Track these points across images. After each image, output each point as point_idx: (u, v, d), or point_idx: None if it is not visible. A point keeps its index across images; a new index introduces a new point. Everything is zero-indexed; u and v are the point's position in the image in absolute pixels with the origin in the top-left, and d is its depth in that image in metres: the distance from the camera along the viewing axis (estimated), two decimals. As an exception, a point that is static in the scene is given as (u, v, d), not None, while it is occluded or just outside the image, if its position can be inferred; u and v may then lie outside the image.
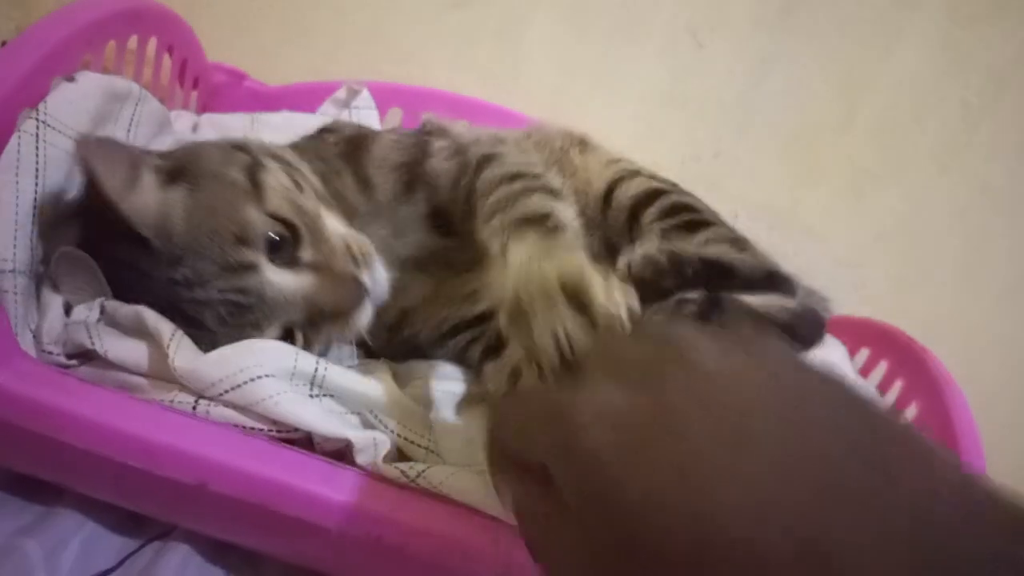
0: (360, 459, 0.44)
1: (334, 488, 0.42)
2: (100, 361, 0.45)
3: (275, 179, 0.51)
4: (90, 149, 0.45)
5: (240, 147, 0.54)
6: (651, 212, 0.65)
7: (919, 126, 1.02)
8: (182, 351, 0.44)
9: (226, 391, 0.43)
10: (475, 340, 0.59)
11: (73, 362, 0.47)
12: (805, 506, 0.21)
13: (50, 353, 0.46)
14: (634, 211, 0.66)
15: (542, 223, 0.48)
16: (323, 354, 0.51)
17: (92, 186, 0.46)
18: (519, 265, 0.41)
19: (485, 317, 0.58)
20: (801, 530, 0.20)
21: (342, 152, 0.62)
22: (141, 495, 0.48)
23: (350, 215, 0.56)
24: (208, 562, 0.51)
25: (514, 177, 0.55)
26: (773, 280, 0.57)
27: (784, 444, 0.22)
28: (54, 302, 0.47)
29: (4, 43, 1.03)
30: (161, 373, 0.45)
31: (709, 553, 0.21)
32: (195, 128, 0.76)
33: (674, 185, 0.76)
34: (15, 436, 0.43)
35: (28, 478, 0.50)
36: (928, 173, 1.04)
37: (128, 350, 0.45)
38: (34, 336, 0.46)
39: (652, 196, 0.67)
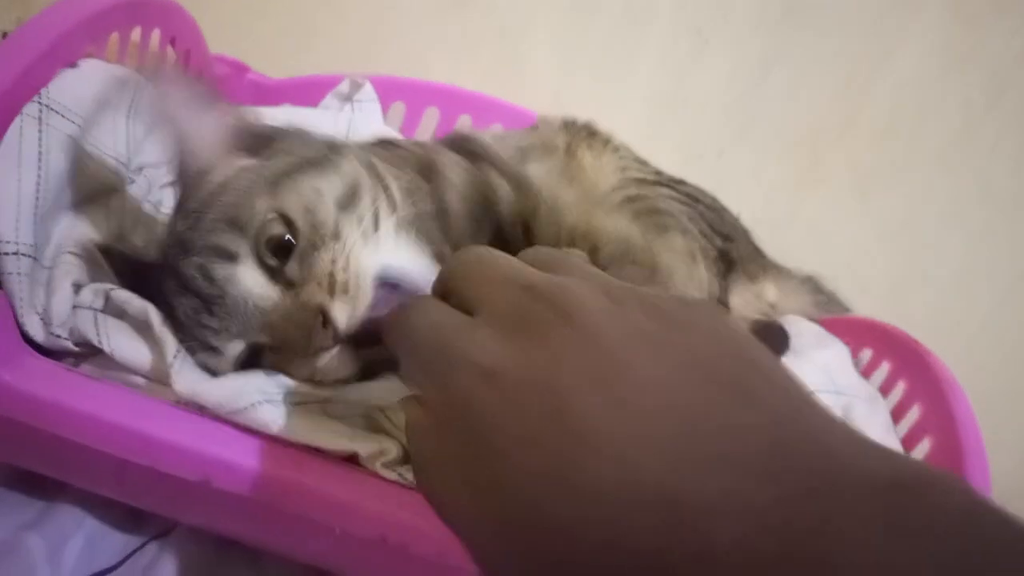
0: (365, 462, 0.43)
1: (339, 486, 0.42)
2: (106, 358, 0.45)
3: (313, 182, 0.46)
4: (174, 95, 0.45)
5: (332, 145, 0.51)
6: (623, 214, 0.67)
7: (921, 126, 1.02)
8: (184, 373, 0.43)
9: (227, 414, 0.42)
10: None
11: (79, 349, 0.46)
12: (667, 451, 0.21)
13: (58, 336, 0.45)
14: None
15: None
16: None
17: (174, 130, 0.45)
18: None
19: None
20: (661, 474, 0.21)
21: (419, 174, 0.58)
22: (145, 491, 0.48)
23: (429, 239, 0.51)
24: (211, 559, 0.51)
25: None
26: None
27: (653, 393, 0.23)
28: (63, 283, 0.46)
29: (5, 34, 1.02)
30: (165, 379, 0.44)
31: (578, 494, 0.22)
32: (197, 121, 0.76)
33: (675, 188, 0.76)
34: (19, 432, 0.42)
35: (30, 474, 0.50)
36: (930, 173, 1.04)
37: (134, 352, 0.44)
38: (41, 319, 0.45)
39: (630, 200, 0.70)
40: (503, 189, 0.57)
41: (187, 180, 0.47)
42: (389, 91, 0.92)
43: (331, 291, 0.42)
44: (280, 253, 0.42)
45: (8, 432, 0.43)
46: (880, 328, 0.75)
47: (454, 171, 0.57)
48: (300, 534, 0.46)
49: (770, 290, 0.78)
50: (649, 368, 0.23)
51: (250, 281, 0.42)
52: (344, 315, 0.41)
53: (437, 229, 0.52)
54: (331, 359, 0.42)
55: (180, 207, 0.47)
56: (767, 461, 0.20)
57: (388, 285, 0.44)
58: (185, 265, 0.43)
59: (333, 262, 0.42)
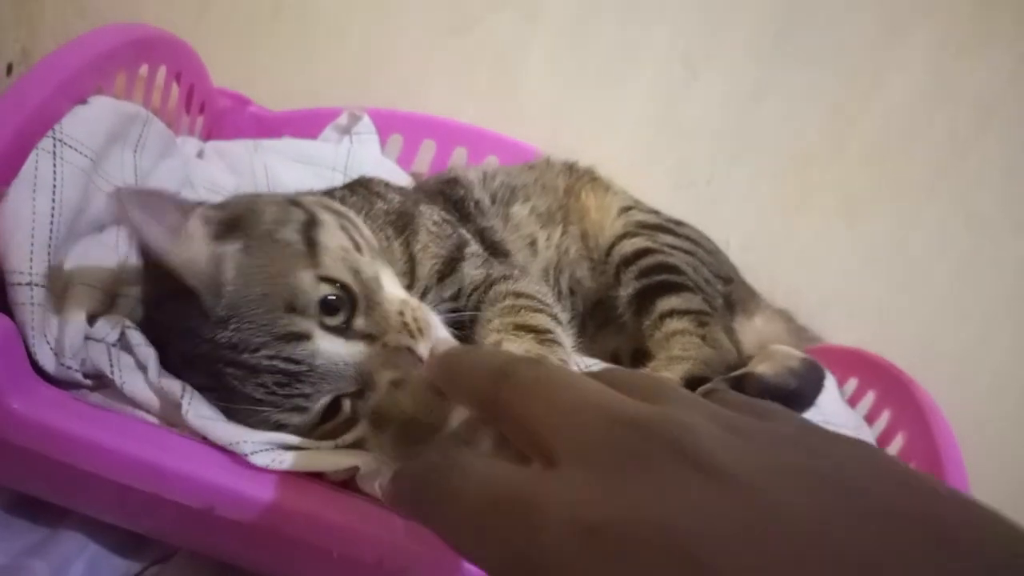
0: (363, 485, 0.45)
1: (338, 512, 0.43)
2: (114, 391, 0.46)
3: (332, 238, 0.50)
4: (130, 199, 0.43)
5: (296, 203, 0.53)
6: (631, 271, 0.73)
7: (907, 154, 1.04)
8: (195, 405, 0.45)
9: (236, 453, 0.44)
10: None
11: (89, 382, 0.48)
12: None
13: (68, 368, 0.46)
14: (618, 269, 0.74)
15: (543, 334, 0.52)
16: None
17: (138, 239, 0.45)
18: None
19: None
20: None
21: (392, 223, 0.63)
22: (148, 518, 0.49)
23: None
24: (211, 583, 0.52)
25: (522, 296, 0.58)
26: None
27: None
28: (76, 315, 0.47)
29: (10, 64, 1.05)
30: (169, 419, 0.46)
31: None
32: (200, 154, 0.78)
33: (675, 232, 0.78)
34: (26, 459, 0.43)
35: (33, 499, 0.51)
36: (917, 200, 1.05)
37: (144, 390, 0.46)
38: (53, 349, 0.46)
39: (639, 255, 0.74)
40: (469, 251, 0.65)
41: (196, 287, 0.46)
42: (387, 123, 0.94)
43: (411, 335, 0.47)
44: (335, 310, 0.46)
45: (15, 458, 0.45)
46: (865, 357, 0.77)
47: (423, 229, 0.64)
48: (299, 559, 0.47)
49: (761, 323, 0.79)
50: (803, 506, 0.18)
51: (330, 348, 0.45)
52: (426, 352, 0.46)
53: (406, 273, 0.60)
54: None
55: (200, 311, 0.46)
56: None
57: None
58: (255, 358, 0.44)
59: (401, 313, 0.47)
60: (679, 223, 0.83)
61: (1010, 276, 1.05)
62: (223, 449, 0.44)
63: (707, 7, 0.99)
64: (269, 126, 0.94)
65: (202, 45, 0.82)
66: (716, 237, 0.88)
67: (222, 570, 0.52)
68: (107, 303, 0.51)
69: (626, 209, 0.80)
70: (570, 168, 0.88)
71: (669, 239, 0.77)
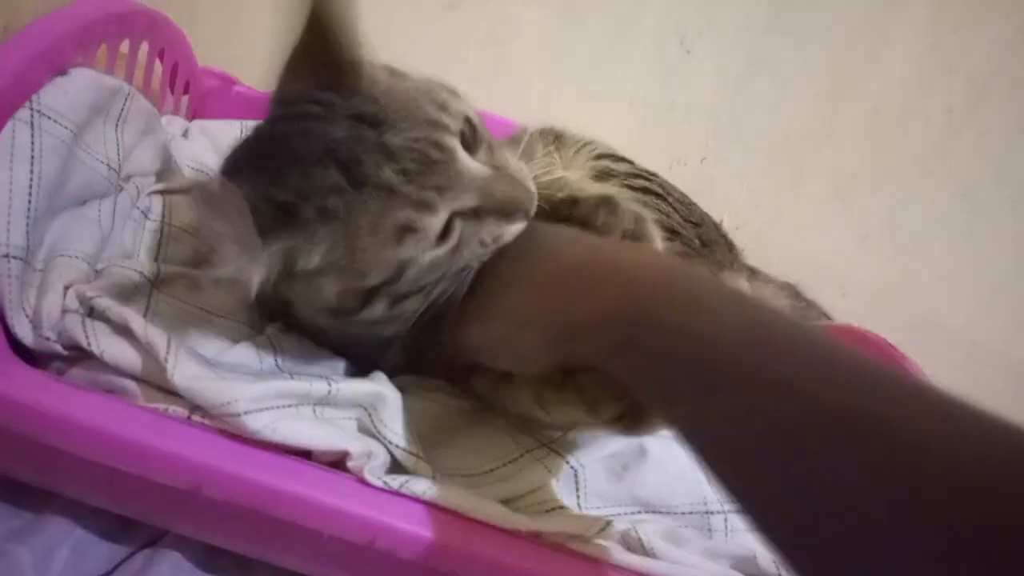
0: (353, 468, 0.44)
1: (327, 492, 0.42)
2: (95, 361, 0.45)
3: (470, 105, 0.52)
4: None
5: (452, 90, 0.54)
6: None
7: (903, 131, 1.04)
8: (182, 365, 0.43)
9: (223, 416, 0.43)
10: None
11: (67, 353, 0.46)
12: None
13: (47, 339, 0.45)
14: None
15: None
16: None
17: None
18: None
19: None
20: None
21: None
22: (134, 500, 0.48)
23: None
24: (199, 567, 0.51)
25: None
26: None
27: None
28: (56, 285, 0.46)
29: (-8, 44, 1.03)
30: (156, 380, 0.45)
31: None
32: (185, 134, 0.76)
33: (649, 180, 0.77)
34: (7, 441, 0.43)
35: (16, 483, 0.50)
36: (911, 178, 1.05)
37: (124, 354, 0.45)
38: (31, 321, 0.45)
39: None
40: None
41: (350, 72, 0.48)
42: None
43: (523, 174, 0.50)
44: (466, 145, 0.48)
45: (-3, 441, 0.44)
46: (857, 334, 0.76)
47: None
48: (289, 540, 0.46)
49: (741, 285, 0.79)
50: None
51: (464, 157, 0.47)
52: (534, 186, 0.50)
53: None
54: (519, 231, 0.49)
55: (340, 91, 0.47)
56: None
57: None
58: (400, 138, 0.45)
59: (516, 160, 0.51)
60: (653, 174, 0.81)
61: (1007, 253, 1.05)
62: (210, 428, 0.43)
63: (700, -17, 0.98)
64: (256, 106, 0.92)
65: (187, 23, 0.80)
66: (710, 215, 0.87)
67: (212, 554, 0.52)
68: (89, 276, 0.50)
69: (596, 156, 0.79)
70: (544, 133, 0.86)
71: (640, 182, 0.76)
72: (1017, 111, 1.01)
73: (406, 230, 0.44)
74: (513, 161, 0.51)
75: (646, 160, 0.87)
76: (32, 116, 0.48)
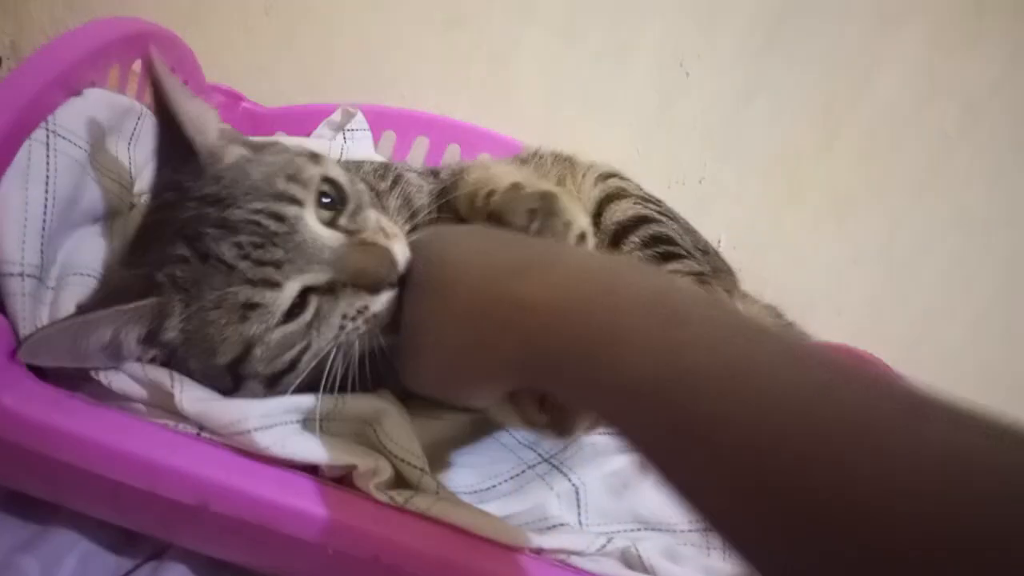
0: (359, 483, 0.45)
1: (333, 508, 0.43)
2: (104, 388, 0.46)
3: (334, 167, 0.52)
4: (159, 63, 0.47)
5: (313, 155, 0.54)
6: (632, 240, 0.70)
7: (898, 152, 1.05)
8: (188, 391, 0.44)
9: (233, 435, 0.44)
10: None
11: (77, 372, 0.47)
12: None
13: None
14: (617, 236, 0.71)
15: None
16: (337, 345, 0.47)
17: (156, 88, 0.48)
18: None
19: None
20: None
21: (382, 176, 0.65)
22: (141, 514, 0.49)
23: None
24: (204, 580, 0.52)
25: None
26: None
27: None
28: (68, 305, 0.47)
29: (-1, 59, 1.04)
30: (164, 406, 0.46)
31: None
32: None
33: (659, 204, 0.78)
34: (16, 455, 0.43)
35: (24, 495, 0.51)
36: (907, 198, 1.06)
37: (132, 384, 0.46)
38: None
39: (636, 223, 0.71)
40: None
41: (196, 155, 0.48)
42: (380, 120, 0.94)
43: (387, 236, 0.48)
44: (327, 207, 0.48)
45: (5, 455, 0.44)
46: (852, 353, 0.77)
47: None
48: (294, 555, 0.47)
49: (739, 307, 0.79)
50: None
51: (315, 224, 0.46)
52: (402, 255, 0.48)
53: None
54: (389, 301, 0.47)
55: (190, 175, 0.48)
56: None
57: None
58: (240, 212, 0.45)
59: (378, 221, 0.50)
60: (659, 201, 0.82)
61: (999, 272, 1.06)
62: (217, 444, 0.44)
63: (699, 6, 1.00)
64: (262, 122, 0.94)
65: (194, 40, 0.81)
66: (707, 235, 0.88)
67: (216, 566, 0.52)
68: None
69: (604, 176, 0.79)
70: (558, 158, 0.87)
71: (655, 206, 0.77)
72: (1010, 133, 1.02)
73: (248, 306, 0.44)
74: (378, 223, 0.50)
75: (645, 179, 0.88)
76: (48, 136, 0.50)
